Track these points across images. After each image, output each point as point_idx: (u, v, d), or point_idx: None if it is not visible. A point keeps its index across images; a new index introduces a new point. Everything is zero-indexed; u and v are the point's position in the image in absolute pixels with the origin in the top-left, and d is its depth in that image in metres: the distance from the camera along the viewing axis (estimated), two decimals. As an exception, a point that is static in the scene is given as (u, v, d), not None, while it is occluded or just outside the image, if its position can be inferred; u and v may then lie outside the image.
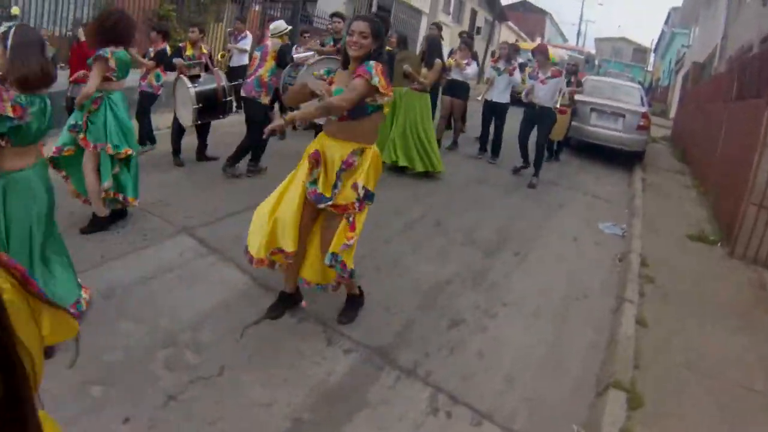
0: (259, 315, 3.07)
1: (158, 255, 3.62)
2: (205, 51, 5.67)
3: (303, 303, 3.21)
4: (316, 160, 2.74)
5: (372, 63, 2.63)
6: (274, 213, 2.81)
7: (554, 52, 13.60)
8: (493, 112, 7.56)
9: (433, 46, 6.39)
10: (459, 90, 7.80)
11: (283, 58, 5.21)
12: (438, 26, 7.85)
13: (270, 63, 5.24)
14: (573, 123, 8.44)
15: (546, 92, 6.37)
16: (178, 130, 5.61)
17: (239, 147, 5.38)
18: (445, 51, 8.20)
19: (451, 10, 21.84)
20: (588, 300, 3.82)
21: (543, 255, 4.55)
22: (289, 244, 2.76)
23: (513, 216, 5.47)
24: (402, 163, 6.18)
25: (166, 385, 2.45)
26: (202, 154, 5.84)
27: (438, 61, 6.30)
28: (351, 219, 2.74)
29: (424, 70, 6.19)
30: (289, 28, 5.62)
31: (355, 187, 2.70)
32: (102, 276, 3.23)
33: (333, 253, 2.71)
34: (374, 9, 17.13)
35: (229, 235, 4.03)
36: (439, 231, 4.81)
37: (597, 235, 5.29)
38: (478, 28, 24.31)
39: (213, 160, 5.76)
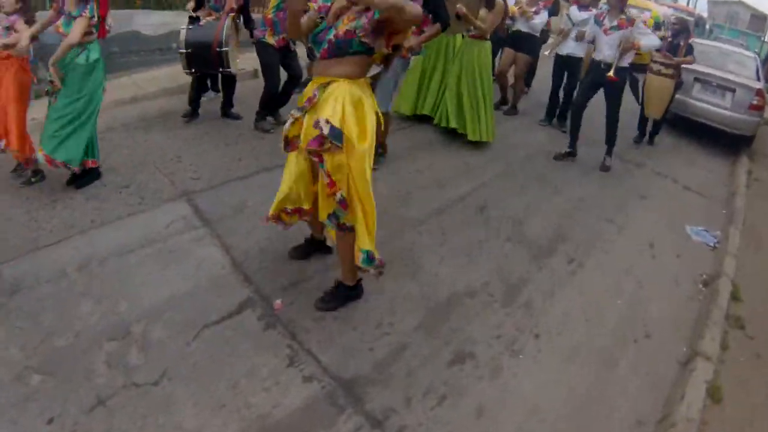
0: (224, 311, 2.61)
1: (147, 223, 3.33)
2: None
3: (277, 304, 2.69)
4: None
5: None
6: (289, 174, 2.65)
7: (659, 10, 11.57)
8: (566, 68, 6.31)
9: None
10: (524, 43, 6.35)
11: None
12: None
13: None
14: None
15: (611, 46, 5.05)
16: (197, 80, 5.06)
17: (261, 97, 4.85)
18: None
19: None
20: (650, 342, 2.94)
21: (604, 265, 3.65)
22: (303, 201, 2.69)
23: (578, 205, 4.51)
24: (453, 125, 5.31)
25: (100, 385, 2.20)
26: (226, 111, 5.30)
27: (500, 2, 5.14)
28: (324, 167, 2.40)
29: (482, 12, 5.10)
30: None
31: (316, 124, 2.35)
32: (84, 244, 3.05)
33: (328, 215, 2.53)
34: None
35: (230, 203, 3.67)
36: (480, 219, 4.00)
37: (681, 242, 4.25)
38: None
39: (237, 119, 5.19)
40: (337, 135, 2.30)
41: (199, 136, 4.78)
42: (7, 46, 3.36)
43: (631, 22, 4.96)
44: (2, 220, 3.24)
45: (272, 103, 4.99)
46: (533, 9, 6.19)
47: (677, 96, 6.69)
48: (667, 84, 6.24)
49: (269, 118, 5.09)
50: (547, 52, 6.33)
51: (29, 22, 3.46)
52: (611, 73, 4.97)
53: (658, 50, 5.92)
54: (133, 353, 2.37)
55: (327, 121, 2.31)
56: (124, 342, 2.42)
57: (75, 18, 3.26)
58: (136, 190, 3.72)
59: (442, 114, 5.46)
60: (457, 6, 4.66)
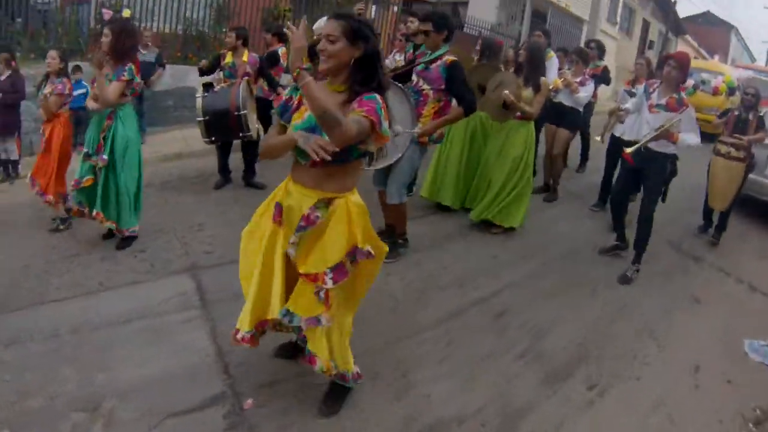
0: (193, 403, 2.59)
1: (148, 294, 3.50)
2: (246, 59, 5.12)
3: (248, 403, 2.60)
4: (279, 221, 2.27)
5: (377, 99, 2.04)
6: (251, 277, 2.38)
7: (733, 74, 10.83)
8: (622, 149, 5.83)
9: (536, 59, 5.02)
10: (565, 117, 5.99)
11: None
12: (544, 32, 6.25)
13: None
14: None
15: (651, 127, 4.26)
16: (220, 147, 5.21)
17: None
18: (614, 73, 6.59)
19: (618, 18, 19.04)
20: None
21: (632, 394, 3.19)
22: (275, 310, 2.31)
23: (616, 313, 4.07)
24: (486, 216, 5.05)
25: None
26: (249, 179, 5.39)
27: (544, 79, 4.94)
28: (322, 294, 2.20)
29: (527, 92, 4.89)
30: None
31: (316, 279, 2.17)
32: (84, 306, 3.27)
33: (289, 311, 2.26)
34: (527, 15, 15.75)
35: (234, 284, 3.52)
36: (495, 327, 3.70)
37: (735, 362, 3.68)
38: (651, 42, 21.14)
39: (260, 189, 5.26)
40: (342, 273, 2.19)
41: (229, 203, 4.94)
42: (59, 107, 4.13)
43: (682, 105, 4.23)
44: (21, 267, 3.63)
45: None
46: (578, 79, 5.86)
47: (753, 175, 5.93)
48: (736, 169, 5.45)
49: None
50: (598, 137, 5.75)
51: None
52: (629, 151, 4.17)
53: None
54: (97, 430, 2.39)
55: (332, 275, 2.15)
56: (92, 416, 2.46)
57: (111, 81, 3.65)
58: (149, 257, 3.96)
59: (477, 205, 5.26)
60: (504, 93, 4.55)
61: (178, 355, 2.90)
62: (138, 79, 3.85)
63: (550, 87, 5.55)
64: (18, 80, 5.50)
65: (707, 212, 5.93)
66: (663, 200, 4.66)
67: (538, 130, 6.08)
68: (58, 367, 2.73)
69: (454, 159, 5.33)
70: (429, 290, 4.10)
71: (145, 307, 3.33)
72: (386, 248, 2.36)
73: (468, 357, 3.32)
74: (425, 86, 4.04)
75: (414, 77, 4.14)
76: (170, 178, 5.29)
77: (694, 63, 12.13)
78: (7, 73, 5.51)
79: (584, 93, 5.85)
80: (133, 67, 3.74)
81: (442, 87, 3.98)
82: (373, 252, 2.19)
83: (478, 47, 5.42)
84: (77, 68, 6.40)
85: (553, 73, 5.88)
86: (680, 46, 23.60)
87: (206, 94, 4.85)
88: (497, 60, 5.37)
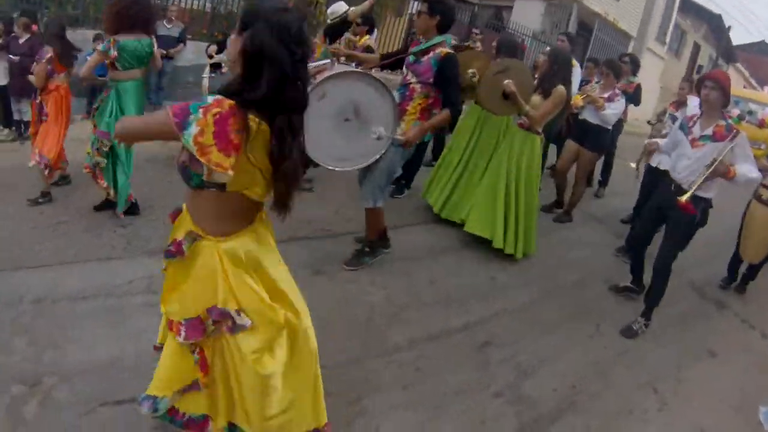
0: (129, 394, 2.38)
1: (116, 272, 3.39)
2: None
3: None
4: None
5: (208, 104, 1.48)
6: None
7: None
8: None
9: (560, 65, 4.41)
10: (590, 136, 5.35)
11: None
12: (569, 37, 5.60)
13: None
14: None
15: (695, 164, 3.59)
16: None
17: None
18: (651, 93, 5.91)
19: (668, 38, 18.21)
20: None
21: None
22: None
23: (619, 357, 3.62)
24: (475, 231, 4.58)
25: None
26: None
27: (560, 88, 4.30)
28: (195, 352, 1.75)
29: (536, 98, 4.35)
30: (348, 10, 4.46)
31: (210, 311, 1.68)
32: (52, 277, 3.22)
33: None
34: (573, 25, 15.16)
35: None
36: (476, 359, 3.30)
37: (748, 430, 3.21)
38: (700, 67, 20.18)
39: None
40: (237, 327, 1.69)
41: None
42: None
43: (732, 132, 3.53)
44: (9, 232, 3.65)
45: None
46: (607, 94, 5.25)
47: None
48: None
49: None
50: (633, 164, 5.05)
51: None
52: (684, 198, 3.48)
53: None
54: (32, 406, 2.34)
55: (185, 330, 1.70)
56: (31, 391, 2.41)
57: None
58: (128, 233, 3.88)
59: (459, 210, 4.87)
60: (505, 82, 4.03)
61: (131, 341, 2.77)
62: (113, 52, 3.57)
63: (573, 106, 5.09)
64: (37, 44, 5.39)
65: (734, 264, 5.08)
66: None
67: (558, 147, 5.61)
68: (11, 337, 2.71)
69: (453, 158, 4.95)
70: (411, 306, 3.72)
71: (110, 285, 3.24)
72: (280, 318, 1.75)
73: (436, 388, 2.94)
74: (413, 79, 3.59)
75: (404, 69, 3.71)
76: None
77: (742, 92, 11.37)
78: (26, 36, 5.71)
79: (612, 110, 5.20)
80: (110, 40, 3.54)
81: (431, 81, 3.52)
82: (243, 318, 1.67)
83: (494, 44, 4.92)
84: (98, 36, 6.32)
85: (573, 85, 5.32)
86: (730, 73, 22.55)
87: (212, 74, 4.65)
88: (515, 57, 4.84)
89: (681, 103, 5.49)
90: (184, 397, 1.83)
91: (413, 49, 3.62)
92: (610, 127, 5.41)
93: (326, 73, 3.04)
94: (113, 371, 2.59)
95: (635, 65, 6.52)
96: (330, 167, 3.23)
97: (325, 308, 3.45)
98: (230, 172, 1.44)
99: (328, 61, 3.48)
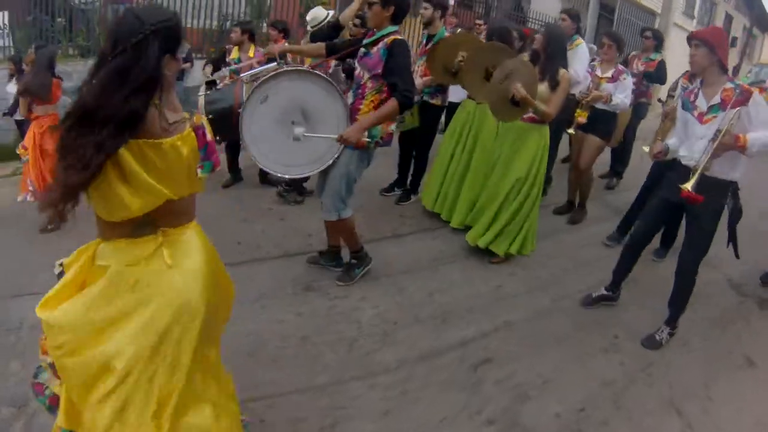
0: None
1: None
2: (252, 55, 4.75)
3: None
4: None
5: None
6: None
7: None
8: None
9: (553, 46, 3.93)
10: (596, 121, 4.75)
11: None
12: (571, 15, 4.99)
13: None
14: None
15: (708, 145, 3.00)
16: (230, 145, 5.00)
17: None
18: (680, 71, 5.24)
19: (696, 12, 17.00)
20: None
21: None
22: None
23: (638, 375, 3.19)
24: (474, 239, 4.25)
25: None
26: (263, 177, 5.32)
27: (564, 73, 3.86)
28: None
29: (542, 88, 3.89)
30: (329, 15, 4.21)
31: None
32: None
33: None
34: (594, 9, 14.50)
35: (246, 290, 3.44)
36: (470, 379, 2.99)
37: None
38: (734, 39, 18.86)
39: (274, 186, 5.17)
40: None
41: (230, 204, 4.79)
42: None
43: (744, 95, 2.96)
44: (20, 257, 3.76)
45: None
46: (609, 74, 4.67)
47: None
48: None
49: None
50: (646, 147, 4.32)
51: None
52: (688, 186, 2.92)
53: None
54: (16, 429, 2.35)
55: None
56: (18, 413, 2.42)
57: None
58: None
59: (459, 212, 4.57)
60: (515, 86, 3.64)
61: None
62: None
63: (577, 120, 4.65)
64: None
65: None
66: (736, 255, 3.50)
67: (558, 136, 5.14)
68: (7, 361, 2.77)
69: (443, 157, 4.63)
70: (403, 323, 3.43)
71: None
72: None
73: (421, 414, 2.65)
74: (365, 75, 3.27)
75: (356, 65, 3.41)
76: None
77: None
78: None
79: (621, 97, 4.60)
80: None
81: (380, 72, 3.19)
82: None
83: (483, 33, 4.57)
84: None
85: (580, 67, 4.83)
86: (767, 42, 21.16)
87: (208, 92, 4.65)
88: (505, 42, 4.44)
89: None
90: None
91: (366, 41, 3.33)
92: (618, 111, 4.87)
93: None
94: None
95: (658, 40, 5.95)
96: (279, 174, 3.07)
97: (312, 326, 3.27)
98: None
99: (274, 64, 3.27)
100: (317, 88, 2.96)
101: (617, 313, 3.79)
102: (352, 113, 3.22)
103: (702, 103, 3.14)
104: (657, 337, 3.45)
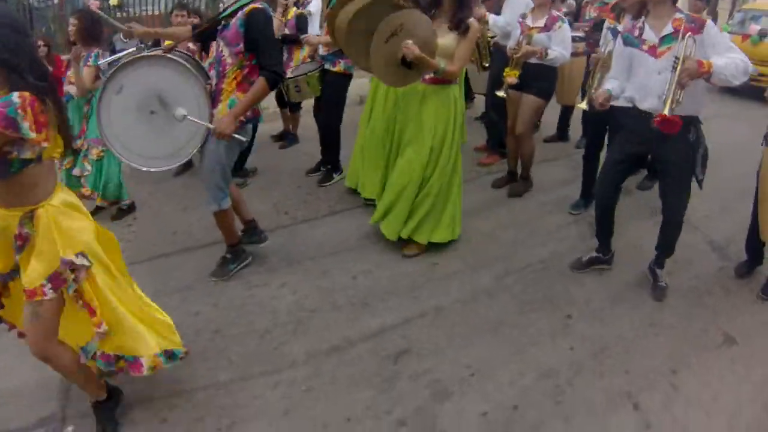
0: (19, 424, 2.25)
1: None
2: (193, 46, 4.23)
3: (68, 430, 2.26)
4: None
5: (12, 99, 1.63)
6: None
7: None
8: (607, 123, 3.75)
9: None
10: (533, 78, 4.04)
11: None
12: None
13: None
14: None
15: (665, 80, 2.60)
16: None
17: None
18: None
19: None
20: None
21: None
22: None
23: (587, 360, 2.66)
24: (394, 232, 3.53)
25: None
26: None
27: (474, 23, 3.21)
28: (81, 302, 1.95)
29: (447, 39, 3.19)
30: None
31: (63, 263, 1.87)
32: None
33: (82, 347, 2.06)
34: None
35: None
36: (384, 372, 2.53)
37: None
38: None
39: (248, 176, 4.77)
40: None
41: (176, 192, 4.49)
42: None
43: (697, 22, 2.67)
44: None
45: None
46: (540, 23, 3.94)
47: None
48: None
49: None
50: (582, 104, 3.90)
51: None
52: (665, 112, 2.47)
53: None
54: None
55: (50, 284, 1.87)
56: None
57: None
58: None
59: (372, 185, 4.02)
60: (404, 44, 2.99)
61: (41, 367, 2.23)
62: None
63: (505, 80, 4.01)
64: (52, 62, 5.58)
65: (753, 243, 3.44)
66: (699, 186, 3.05)
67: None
68: None
69: (376, 135, 3.94)
70: (320, 311, 2.96)
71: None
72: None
73: (323, 414, 2.26)
74: (225, 51, 2.83)
75: (217, 42, 2.93)
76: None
77: (762, 4, 8.85)
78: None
79: (556, 51, 3.91)
80: (99, 52, 3.78)
81: (241, 47, 2.77)
82: (83, 259, 1.91)
83: None
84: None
85: (513, 12, 4.24)
86: None
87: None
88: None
89: (620, 7, 3.82)
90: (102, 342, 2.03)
91: (222, 13, 2.88)
92: (557, 66, 4.14)
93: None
94: (17, 399, 2.38)
95: None
96: (144, 168, 2.75)
97: (225, 318, 2.91)
98: (45, 144, 1.74)
99: (134, 49, 3.01)
100: (171, 73, 2.64)
101: (570, 290, 3.24)
102: (217, 94, 2.85)
103: (651, 36, 2.80)
104: (660, 283, 3.23)
